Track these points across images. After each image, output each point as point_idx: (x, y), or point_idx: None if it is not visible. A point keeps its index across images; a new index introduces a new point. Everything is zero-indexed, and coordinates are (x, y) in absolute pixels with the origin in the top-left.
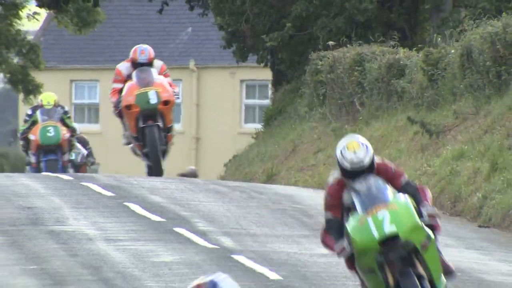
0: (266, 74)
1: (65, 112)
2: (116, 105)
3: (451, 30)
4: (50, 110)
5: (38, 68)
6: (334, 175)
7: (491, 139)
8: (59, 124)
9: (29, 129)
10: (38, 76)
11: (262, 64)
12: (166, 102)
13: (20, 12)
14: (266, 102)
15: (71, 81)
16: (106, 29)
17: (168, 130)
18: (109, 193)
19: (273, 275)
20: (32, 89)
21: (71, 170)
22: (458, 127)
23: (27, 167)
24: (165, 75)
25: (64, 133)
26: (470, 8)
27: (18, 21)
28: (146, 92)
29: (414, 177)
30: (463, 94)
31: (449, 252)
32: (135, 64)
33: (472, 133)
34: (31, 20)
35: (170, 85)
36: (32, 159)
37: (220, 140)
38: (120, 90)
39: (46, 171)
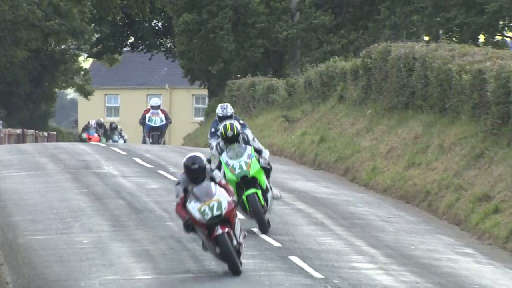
0: (205, 92)
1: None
2: None
3: (299, 69)
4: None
5: (88, 84)
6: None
7: (320, 125)
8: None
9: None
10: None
11: (202, 87)
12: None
13: (78, 59)
14: (205, 106)
15: (105, 95)
16: (123, 69)
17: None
18: (124, 153)
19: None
20: (86, 95)
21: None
22: (303, 119)
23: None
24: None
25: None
26: (309, 57)
27: (77, 62)
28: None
29: (280, 145)
30: (306, 101)
31: (298, 183)
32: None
33: (310, 122)
34: (85, 61)
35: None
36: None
37: (181, 126)
38: None
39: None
